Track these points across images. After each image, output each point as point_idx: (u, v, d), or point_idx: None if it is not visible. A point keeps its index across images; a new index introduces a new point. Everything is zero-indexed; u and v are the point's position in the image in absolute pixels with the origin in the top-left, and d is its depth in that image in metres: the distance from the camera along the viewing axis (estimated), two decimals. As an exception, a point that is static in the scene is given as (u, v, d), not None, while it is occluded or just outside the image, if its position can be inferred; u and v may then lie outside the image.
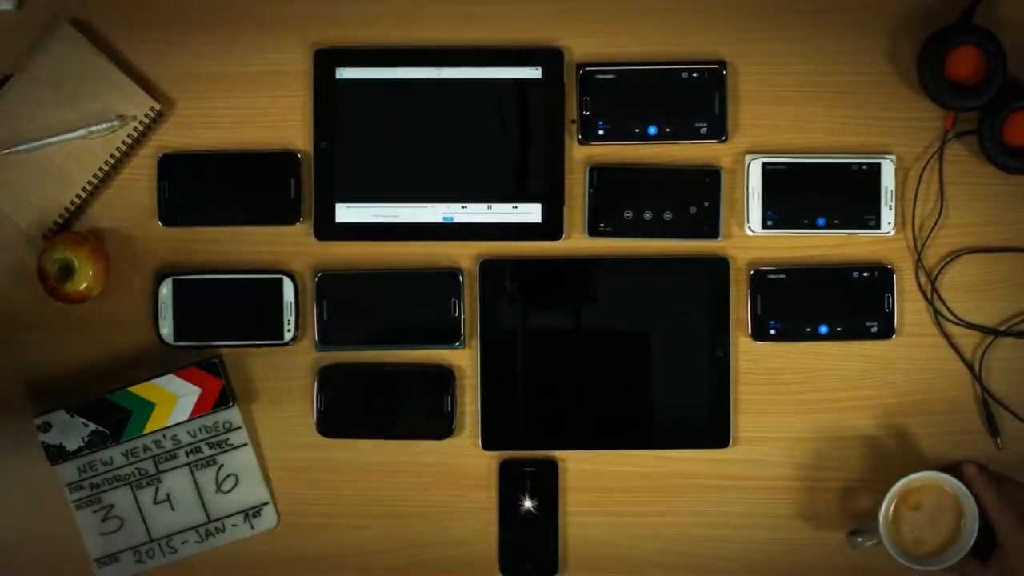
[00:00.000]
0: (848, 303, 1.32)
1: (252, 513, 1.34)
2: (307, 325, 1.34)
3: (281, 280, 1.33)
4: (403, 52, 1.33)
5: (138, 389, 1.32)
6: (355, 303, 1.33)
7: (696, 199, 1.32)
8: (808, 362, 1.33)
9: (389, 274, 1.33)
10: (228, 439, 1.33)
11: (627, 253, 1.32)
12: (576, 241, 1.33)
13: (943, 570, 1.26)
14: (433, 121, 1.32)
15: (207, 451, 1.33)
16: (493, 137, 1.32)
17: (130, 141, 1.32)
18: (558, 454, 1.33)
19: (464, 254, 1.33)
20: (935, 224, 1.32)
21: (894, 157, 1.32)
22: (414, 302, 1.33)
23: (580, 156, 1.33)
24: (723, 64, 1.32)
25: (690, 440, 1.32)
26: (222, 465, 1.33)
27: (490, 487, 1.33)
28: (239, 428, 1.33)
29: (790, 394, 1.33)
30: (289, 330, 1.32)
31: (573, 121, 1.33)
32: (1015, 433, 1.33)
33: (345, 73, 1.32)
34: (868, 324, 1.32)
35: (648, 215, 1.32)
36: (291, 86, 1.33)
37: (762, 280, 1.32)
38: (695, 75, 1.32)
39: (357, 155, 1.32)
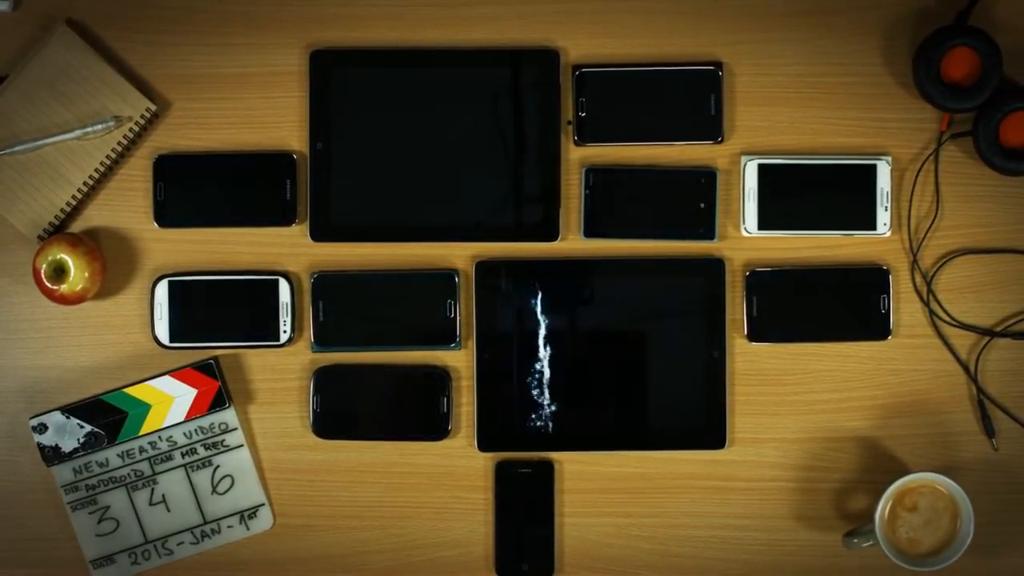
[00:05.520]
0: (844, 304, 1.32)
1: (248, 514, 1.34)
2: (303, 326, 1.34)
3: (277, 281, 1.33)
4: (399, 53, 1.33)
5: (134, 390, 1.32)
6: (351, 304, 1.33)
7: (692, 200, 1.32)
8: (804, 363, 1.33)
9: (385, 275, 1.33)
10: (224, 440, 1.33)
11: (623, 254, 1.33)
12: (572, 242, 1.33)
13: (939, 571, 1.26)
14: (429, 122, 1.32)
15: (203, 452, 1.33)
16: (489, 138, 1.32)
17: (126, 142, 1.32)
18: (554, 455, 1.33)
19: (460, 255, 1.33)
20: (931, 225, 1.32)
21: (890, 158, 1.32)
22: (410, 303, 1.32)
23: (576, 157, 1.33)
24: (719, 65, 1.32)
25: (686, 441, 1.32)
26: (218, 466, 1.33)
27: (486, 488, 1.33)
28: (235, 429, 1.33)
29: (786, 395, 1.33)
30: (285, 331, 1.32)
31: (569, 122, 1.33)
32: (1011, 434, 1.33)
33: (341, 74, 1.32)
34: (864, 325, 1.32)
35: (644, 216, 1.32)
36: (287, 87, 1.33)
37: (758, 281, 1.32)
38: (691, 76, 1.32)
39: (353, 156, 1.32)
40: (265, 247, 1.34)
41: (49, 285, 1.29)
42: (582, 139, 1.32)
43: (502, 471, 1.33)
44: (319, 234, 1.33)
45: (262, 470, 1.34)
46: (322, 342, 1.33)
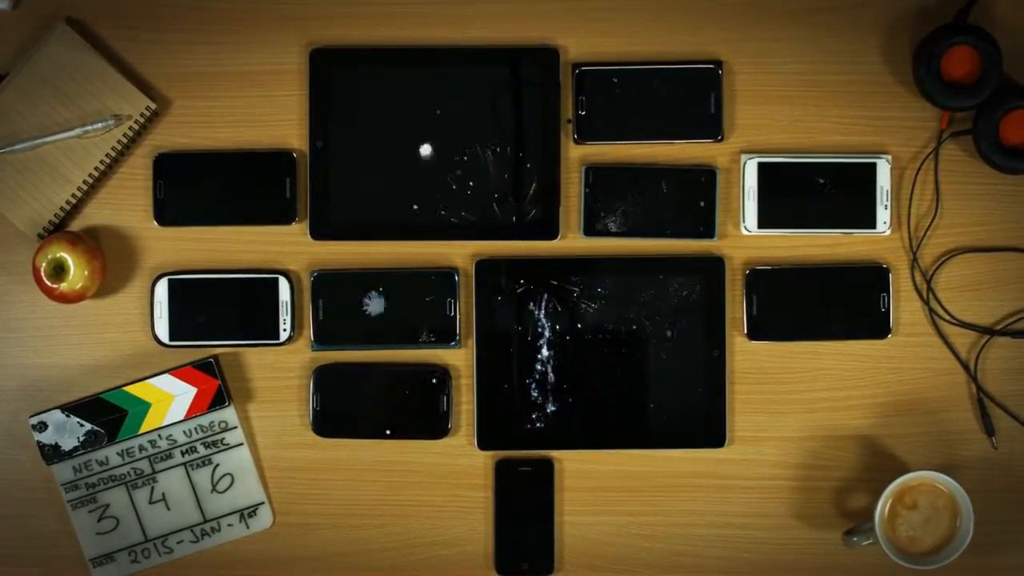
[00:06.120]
0: (844, 303, 1.32)
1: (247, 513, 1.34)
2: (303, 325, 1.33)
3: (277, 280, 1.33)
4: (399, 51, 1.33)
5: (134, 389, 1.32)
6: (351, 303, 1.32)
7: (692, 199, 1.32)
8: (804, 362, 1.33)
9: (385, 274, 1.33)
10: (224, 439, 1.33)
11: (623, 253, 1.33)
12: (572, 241, 1.33)
13: (938, 569, 1.26)
14: (429, 121, 1.32)
15: (203, 451, 1.33)
16: (489, 137, 1.32)
17: (126, 140, 1.32)
18: (554, 453, 1.33)
19: (460, 254, 1.33)
20: (931, 224, 1.32)
21: (890, 156, 1.32)
22: (410, 302, 1.33)
23: (576, 155, 1.33)
24: (719, 64, 1.32)
25: (686, 439, 1.32)
26: (218, 465, 1.33)
27: (486, 487, 1.33)
28: (235, 428, 1.33)
29: (786, 393, 1.33)
30: (285, 330, 1.32)
31: (569, 121, 1.33)
32: (1010, 433, 1.33)
33: (341, 72, 1.32)
34: (864, 324, 1.32)
35: (644, 215, 1.32)
36: (287, 85, 1.33)
37: (758, 280, 1.32)
38: (691, 74, 1.32)
39: (353, 154, 1.32)
40: (265, 245, 1.34)
41: (49, 284, 1.29)
42: (582, 137, 1.32)
43: (502, 469, 1.33)
44: (319, 232, 1.33)
45: (262, 468, 1.34)
46: (322, 341, 1.33)
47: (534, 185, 1.32)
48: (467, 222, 1.32)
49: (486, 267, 1.32)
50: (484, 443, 1.33)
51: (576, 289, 1.32)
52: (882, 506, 1.25)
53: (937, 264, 1.33)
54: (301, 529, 1.34)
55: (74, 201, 1.32)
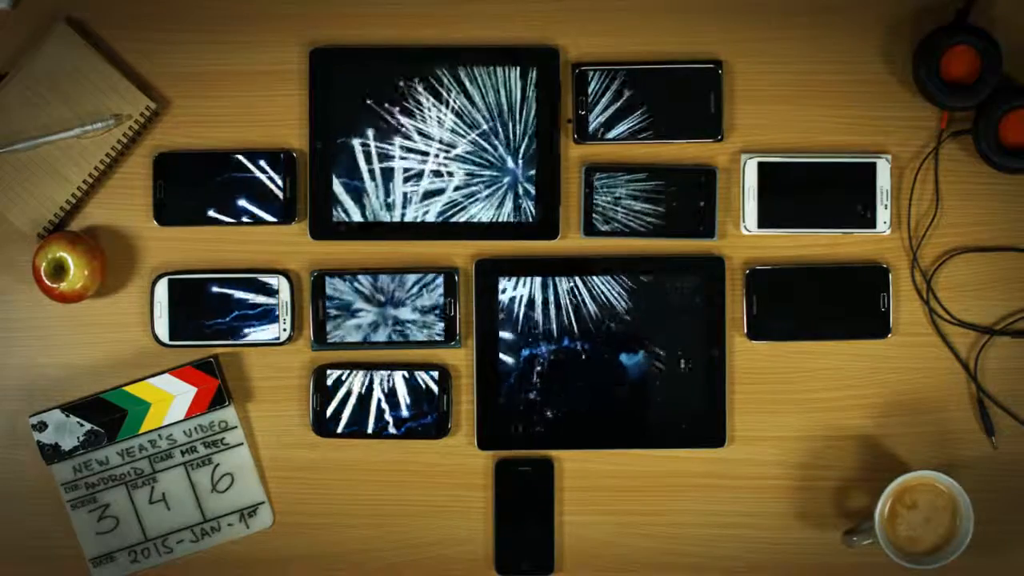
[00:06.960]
0: (844, 302, 1.32)
1: (247, 513, 1.34)
2: (303, 324, 1.33)
3: (277, 280, 1.32)
4: (399, 51, 1.33)
5: (134, 388, 1.32)
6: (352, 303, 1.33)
7: (692, 198, 1.32)
8: (804, 361, 1.33)
9: (384, 274, 1.33)
10: (224, 438, 1.33)
11: (623, 252, 1.33)
12: (572, 240, 1.33)
13: (938, 569, 1.26)
14: (428, 120, 1.32)
15: (203, 450, 1.33)
16: (489, 136, 1.32)
17: (125, 140, 1.32)
18: (554, 453, 1.33)
19: (460, 253, 1.33)
20: (931, 223, 1.33)
21: (890, 156, 1.32)
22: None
23: (576, 155, 1.33)
24: (719, 63, 1.32)
25: (685, 439, 1.32)
26: (218, 464, 1.33)
27: (486, 486, 1.33)
28: (235, 427, 1.33)
29: (786, 393, 1.33)
30: (285, 329, 1.32)
31: (569, 120, 1.33)
32: (1010, 432, 1.33)
33: (341, 72, 1.32)
34: (864, 323, 1.32)
35: (644, 214, 1.32)
36: (287, 85, 1.33)
37: (758, 279, 1.32)
38: (691, 74, 1.32)
39: (353, 154, 1.32)
40: (265, 245, 1.34)
41: (49, 283, 1.29)
42: (582, 137, 1.32)
43: (502, 469, 1.33)
44: (319, 232, 1.33)
45: (262, 468, 1.34)
46: (322, 340, 1.32)
47: (534, 185, 1.32)
48: (467, 222, 1.32)
49: (486, 267, 1.32)
50: (484, 443, 1.33)
51: (576, 289, 1.32)
52: (882, 506, 1.25)
53: (937, 264, 1.33)
54: (301, 529, 1.34)
55: (74, 201, 1.32)
